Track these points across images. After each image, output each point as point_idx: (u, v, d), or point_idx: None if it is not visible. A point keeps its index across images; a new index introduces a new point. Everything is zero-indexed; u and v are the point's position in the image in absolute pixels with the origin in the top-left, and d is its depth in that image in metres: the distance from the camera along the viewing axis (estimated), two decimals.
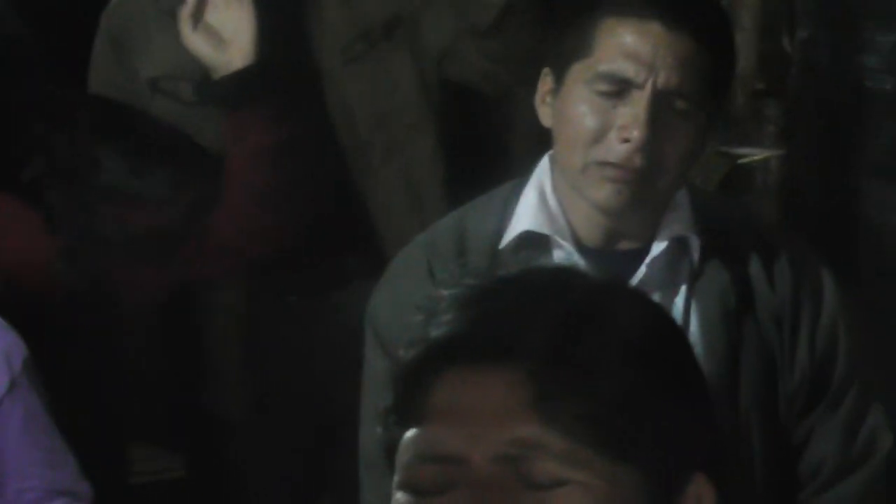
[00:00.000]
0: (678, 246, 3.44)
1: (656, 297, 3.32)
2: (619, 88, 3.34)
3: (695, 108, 3.39)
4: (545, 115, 3.55)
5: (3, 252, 4.14)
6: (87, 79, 5.26)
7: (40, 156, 4.51)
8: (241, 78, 4.64)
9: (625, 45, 3.36)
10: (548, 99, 3.52)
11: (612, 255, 3.45)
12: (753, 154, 4.23)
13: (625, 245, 3.46)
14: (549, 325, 1.67)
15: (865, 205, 4.21)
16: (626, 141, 3.31)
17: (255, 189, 4.71)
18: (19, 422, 3.68)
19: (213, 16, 4.58)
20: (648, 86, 3.32)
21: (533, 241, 3.47)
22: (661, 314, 1.94)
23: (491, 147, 4.89)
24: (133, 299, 4.59)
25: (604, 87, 3.36)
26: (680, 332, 1.96)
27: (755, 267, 3.47)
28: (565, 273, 2.35)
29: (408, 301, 3.30)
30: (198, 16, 4.58)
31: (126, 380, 4.48)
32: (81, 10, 5.49)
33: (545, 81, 3.53)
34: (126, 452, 4.44)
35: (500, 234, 3.53)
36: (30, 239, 4.27)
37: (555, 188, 3.53)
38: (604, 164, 3.35)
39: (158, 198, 4.68)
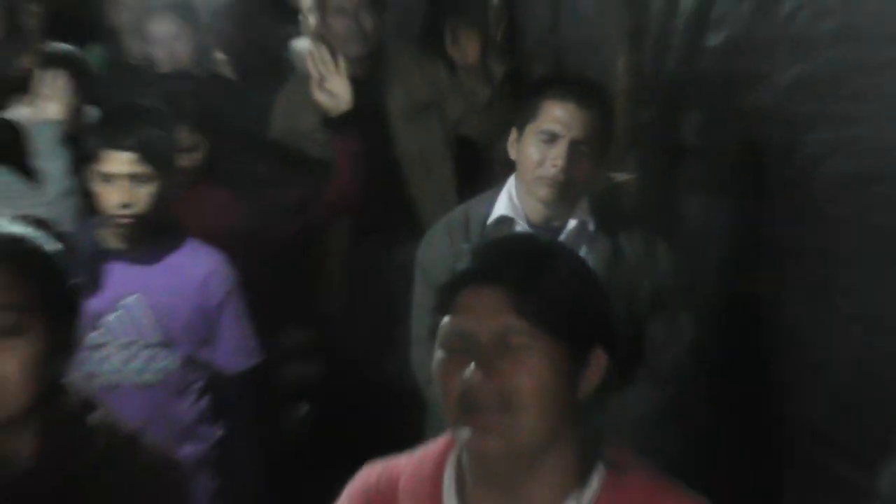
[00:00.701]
0: (582, 225, 3.59)
1: None
2: (552, 138, 3.48)
3: (592, 150, 3.51)
4: (512, 153, 3.67)
5: (222, 217, 4.27)
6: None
7: (242, 167, 4.62)
8: (344, 115, 4.74)
9: (555, 115, 3.49)
10: (514, 144, 3.65)
11: (547, 229, 3.55)
12: (621, 176, 4.36)
13: (554, 223, 3.58)
14: (519, 264, 1.96)
15: (685, 209, 4.34)
16: (555, 167, 3.46)
17: (351, 173, 4.82)
18: (232, 310, 3.78)
19: (329, 83, 4.71)
20: (567, 137, 3.47)
21: (505, 221, 3.63)
22: (577, 257, 2.30)
23: (483, 171, 4.99)
24: (286, 234, 4.77)
25: (544, 137, 3.50)
26: (588, 266, 2.19)
27: (622, 237, 3.60)
28: (525, 236, 3.09)
29: (437, 253, 3.72)
30: (321, 84, 4.72)
31: (278, 285, 4.66)
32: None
33: (513, 134, 3.66)
34: (275, 333, 4.47)
35: (487, 216, 3.69)
36: (234, 210, 4.41)
37: (517, 192, 3.67)
38: (543, 178, 3.49)
39: (293, 183, 4.86)
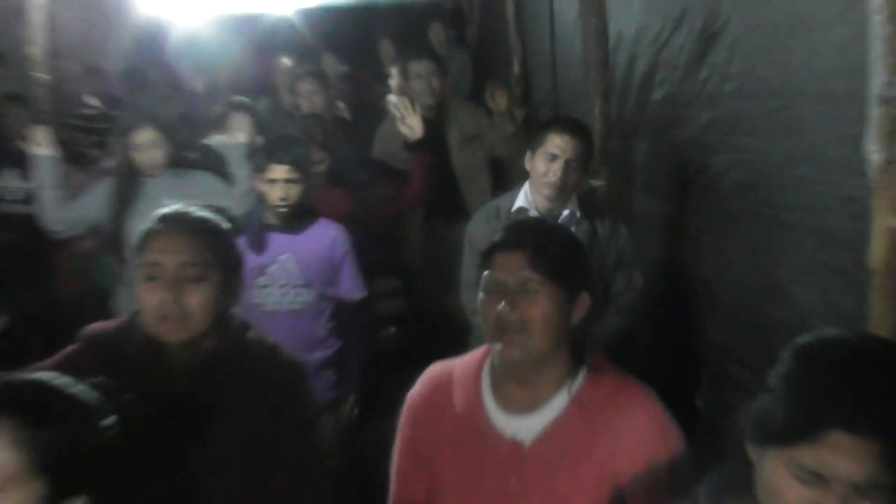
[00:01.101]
0: (572, 213, 3.51)
1: None
2: (553, 158, 3.40)
3: (579, 165, 3.43)
4: (528, 166, 3.56)
5: (339, 205, 4.25)
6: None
7: (352, 174, 4.62)
8: (418, 142, 4.63)
9: (556, 143, 3.38)
10: (529, 161, 3.54)
11: (549, 215, 3.43)
12: (597, 182, 4.34)
13: (554, 212, 3.49)
14: (534, 236, 1.94)
15: (637, 205, 4.31)
16: (555, 176, 3.38)
17: (423, 179, 4.72)
18: (348, 263, 3.80)
19: (408, 121, 4.60)
20: (563, 158, 3.40)
21: (522, 210, 3.55)
22: (570, 232, 2.24)
23: (508, 179, 4.94)
24: (379, 217, 4.73)
25: (548, 157, 3.42)
26: (577, 239, 2.16)
27: (597, 221, 3.50)
28: (536, 220, 3.00)
29: (479, 230, 3.64)
30: (403, 121, 4.62)
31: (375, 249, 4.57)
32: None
33: (528, 155, 3.56)
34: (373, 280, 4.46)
35: (511, 206, 3.61)
36: (346, 201, 4.37)
37: (530, 191, 3.58)
38: (547, 183, 3.42)
39: (384, 185, 4.83)
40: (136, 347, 2.09)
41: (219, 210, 2.23)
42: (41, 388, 1.58)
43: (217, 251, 2.10)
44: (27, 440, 1.47)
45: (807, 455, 1.30)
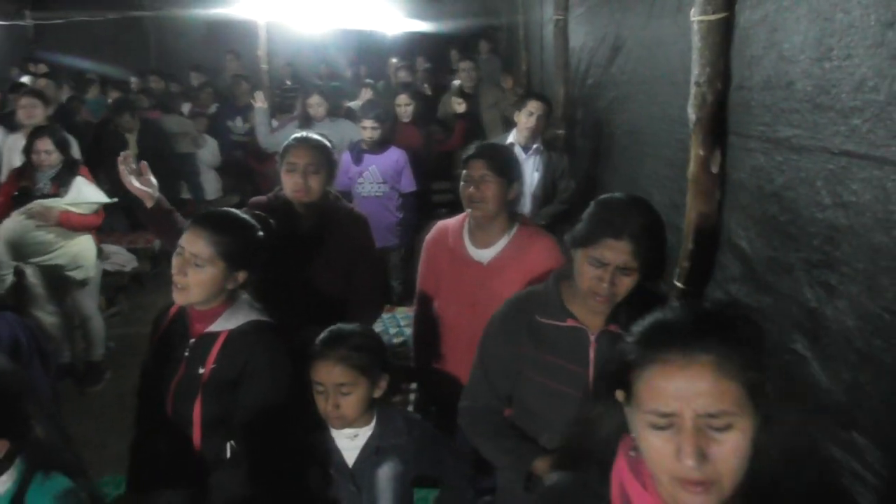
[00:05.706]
0: (538, 147, 3.43)
1: None
2: (530, 115, 3.36)
3: (545, 119, 3.42)
4: (515, 119, 3.46)
5: (412, 139, 4.09)
6: None
7: (426, 122, 4.56)
8: (461, 114, 4.51)
9: (533, 106, 3.36)
10: (518, 117, 3.43)
11: (527, 147, 3.41)
12: (560, 131, 4.32)
13: (529, 145, 3.42)
14: (489, 152, 1.96)
15: (576, 144, 4.25)
16: (531, 125, 3.36)
17: (461, 135, 4.55)
18: (408, 169, 3.75)
19: (459, 102, 4.50)
20: (536, 114, 3.36)
21: (511, 144, 3.36)
22: (510, 150, 2.21)
23: (509, 125, 4.70)
24: (438, 148, 4.57)
25: (527, 114, 3.36)
26: (513, 153, 2.18)
27: (551, 153, 3.46)
28: (493, 143, 2.51)
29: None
30: (457, 102, 4.51)
31: (433, 166, 4.55)
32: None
33: (517, 114, 3.44)
34: (428, 183, 4.38)
35: (505, 140, 3.45)
36: (417, 136, 4.22)
37: (516, 133, 3.45)
38: (527, 128, 3.36)
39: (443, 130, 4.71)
40: (281, 206, 2.17)
41: (325, 137, 2.24)
42: (227, 213, 1.68)
43: (324, 157, 2.15)
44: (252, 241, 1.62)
45: (595, 251, 1.40)
